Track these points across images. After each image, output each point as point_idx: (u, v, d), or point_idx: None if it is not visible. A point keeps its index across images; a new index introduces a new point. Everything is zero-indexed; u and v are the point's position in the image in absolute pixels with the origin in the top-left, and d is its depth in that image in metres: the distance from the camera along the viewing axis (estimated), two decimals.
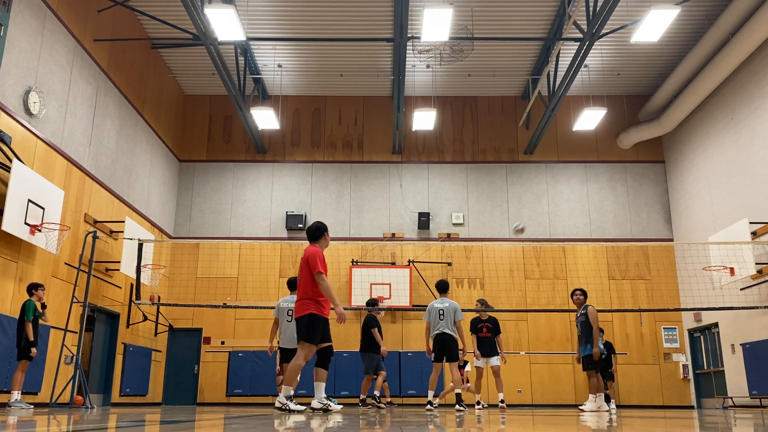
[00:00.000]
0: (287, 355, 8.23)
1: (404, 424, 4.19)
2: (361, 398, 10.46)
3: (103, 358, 12.94)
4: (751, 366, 12.78)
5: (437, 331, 9.01)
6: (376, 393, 10.51)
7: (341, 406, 7.10)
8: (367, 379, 10.45)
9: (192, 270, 15.95)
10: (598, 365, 9.06)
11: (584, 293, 9.74)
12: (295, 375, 6.28)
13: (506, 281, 15.77)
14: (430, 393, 9.15)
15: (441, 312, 9.07)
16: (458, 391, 9.02)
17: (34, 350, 8.76)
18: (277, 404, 6.25)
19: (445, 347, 8.97)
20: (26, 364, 8.83)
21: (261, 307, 13.30)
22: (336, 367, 14.87)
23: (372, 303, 11.40)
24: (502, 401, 10.02)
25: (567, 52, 14.16)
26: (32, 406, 8.87)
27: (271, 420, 4.89)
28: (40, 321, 9.17)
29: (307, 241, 6.56)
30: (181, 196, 16.63)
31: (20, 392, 8.80)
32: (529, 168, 16.82)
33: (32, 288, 9.08)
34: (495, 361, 10.30)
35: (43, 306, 9.20)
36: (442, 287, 9.37)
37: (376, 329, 10.46)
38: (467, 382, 12.46)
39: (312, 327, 6.15)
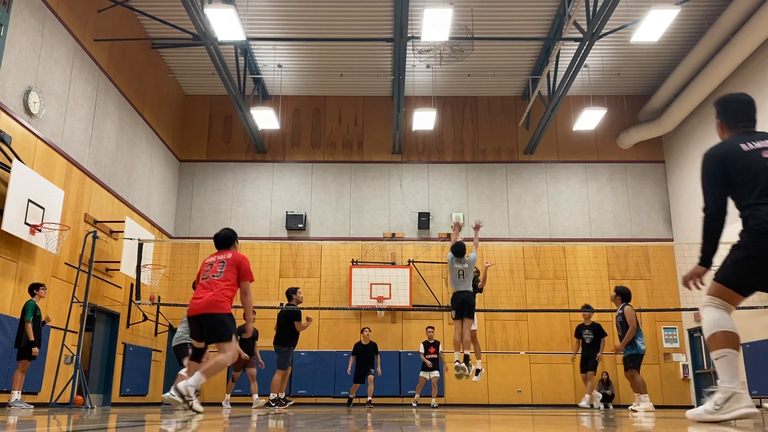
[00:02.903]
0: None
1: (404, 424, 4.19)
2: (275, 397, 10.05)
3: (103, 358, 12.94)
4: (751, 366, 12.78)
5: (459, 289, 8.69)
6: (282, 394, 10.19)
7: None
8: (283, 375, 10.12)
9: (192, 270, 15.88)
10: (638, 364, 9.09)
11: (620, 293, 9.62)
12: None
13: (506, 281, 15.75)
14: (458, 353, 8.70)
15: (461, 272, 8.74)
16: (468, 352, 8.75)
17: (35, 349, 8.75)
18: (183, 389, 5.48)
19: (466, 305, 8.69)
20: (26, 364, 8.84)
21: (260, 307, 13.27)
22: (337, 368, 14.88)
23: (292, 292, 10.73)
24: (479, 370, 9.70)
25: (567, 52, 14.16)
26: (32, 406, 8.86)
27: (271, 419, 4.89)
28: (45, 322, 9.16)
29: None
30: (181, 196, 16.63)
31: (20, 392, 8.80)
32: (529, 168, 16.82)
33: (33, 288, 9.10)
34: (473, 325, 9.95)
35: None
36: (462, 251, 8.78)
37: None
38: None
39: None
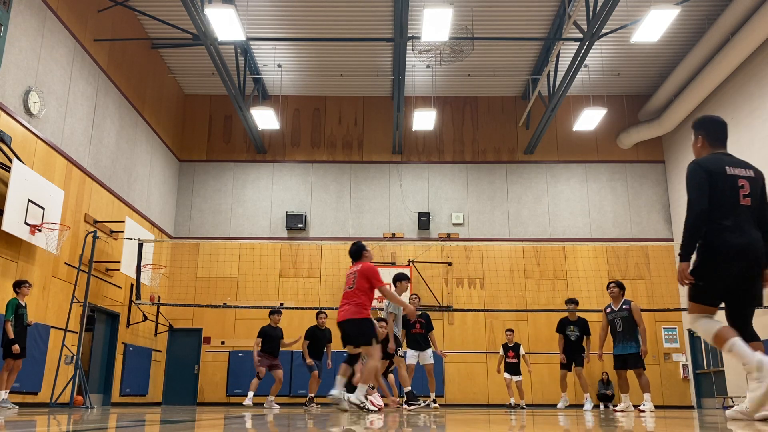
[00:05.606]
0: None
1: (408, 424, 4.19)
2: (310, 397, 11.19)
3: (103, 358, 12.94)
4: None
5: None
6: (311, 395, 11.23)
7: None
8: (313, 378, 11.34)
9: (192, 270, 15.94)
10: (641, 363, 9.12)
11: (621, 286, 9.30)
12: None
13: (506, 281, 15.76)
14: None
15: None
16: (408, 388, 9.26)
17: (15, 347, 8.61)
18: (356, 401, 6.64)
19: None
20: (11, 363, 8.71)
21: (261, 307, 13.30)
22: (337, 368, 14.86)
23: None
24: (434, 400, 9.98)
25: (567, 52, 14.16)
26: (17, 407, 8.76)
27: (270, 420, 4.89)
28: (29, 321, 9.01)
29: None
30: (181, 196, 16.63)
31: (8, 392, 8.74)
32: (529, 168, 16.82)
33: (16, 285, 8.95)
34: (428, 358, 10.05)
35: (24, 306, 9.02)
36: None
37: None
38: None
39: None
